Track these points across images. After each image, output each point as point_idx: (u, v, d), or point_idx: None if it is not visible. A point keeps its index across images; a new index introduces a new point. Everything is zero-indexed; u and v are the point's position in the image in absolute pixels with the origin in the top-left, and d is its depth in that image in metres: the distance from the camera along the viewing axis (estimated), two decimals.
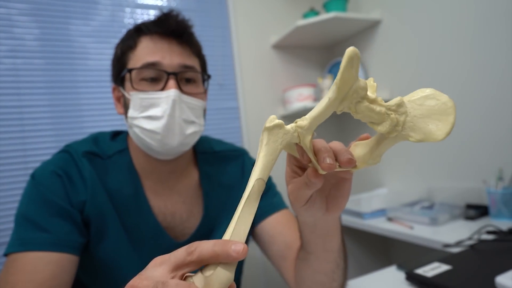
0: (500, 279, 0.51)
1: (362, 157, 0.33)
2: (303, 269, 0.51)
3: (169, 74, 0.57)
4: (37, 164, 0.62)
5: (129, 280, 0.27)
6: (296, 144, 0.31)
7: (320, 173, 0.32)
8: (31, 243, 0.51)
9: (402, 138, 0.31)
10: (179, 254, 0.26)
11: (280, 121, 0.29)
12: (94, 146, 0.62)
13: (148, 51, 0.58)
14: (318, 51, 1.79)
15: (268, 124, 0.29)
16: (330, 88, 0.28)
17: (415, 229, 1.01)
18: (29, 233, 0.52)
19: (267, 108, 1.64)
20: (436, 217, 1.03)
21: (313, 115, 0.29)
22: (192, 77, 0.61)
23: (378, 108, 0.29)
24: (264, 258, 1.45)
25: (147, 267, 0.27)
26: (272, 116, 0.29)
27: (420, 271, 0.63)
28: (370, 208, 1.21)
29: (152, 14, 1.45)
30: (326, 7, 1.47)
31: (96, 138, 0.65)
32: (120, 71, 0.61)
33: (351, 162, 0.31)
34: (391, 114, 0.30)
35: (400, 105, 0.30)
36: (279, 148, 0.29)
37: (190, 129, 0.59)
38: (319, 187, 0.33)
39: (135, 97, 0.57)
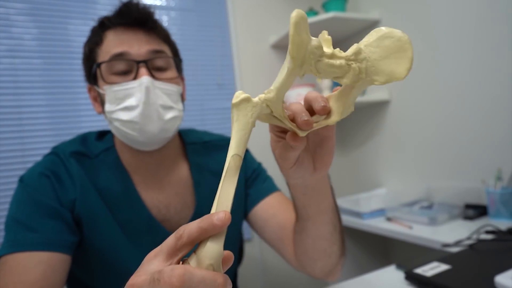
0: (499, 278, 0.51)
1: (336, 109, 0.33)
2: (302, 240, 0.53)
3: (138, 62, 0.56)
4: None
5: (129, 273, 0.27)
6: (273, 116, 0.31)
7: (300, 136, 0.32)
8: (20, 244, 0.51)
9: (369, 83, 0.31)
10: (169, 241, 0.26)
11: (247, 95, 0.29)
12: (81, 146, 0.62)
13: (114, 43, 0.57)
14: None
15: (234, 100, 0.29)
16: (286, 58, 0.28)
17: (414, 229, 1.01)
18: (19, 235, 0.52)
19: None
20: (435, 217, 1.03)
21: (277, 85, 0.29)
22: (163, 65, 0.60)
23: (338, 62, 0.29)
24: (263, 258, 1.45)
25: (142, 263, 0.27)
26: (238, 92, 0.29)
27: (419, 270, 0.63)
28: (369, 208, 1.21)
29: None
30: (325, 7, 1.47)
31: (84, 138, 0.65)
32: (91, 69, 0.60)
33: (325, 109, 0.31)
34: (352, 63, 0.30)
35: (358, 52, 0.30)
36: (251, 122, 0.29)
37: (169, 115, 0.58)
38: (303, 147, 0.34)
39: (109, 91, 0.57)
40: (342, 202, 1.36)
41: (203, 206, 0.66)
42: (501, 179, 1.00)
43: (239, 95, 0.29)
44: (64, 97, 1.27)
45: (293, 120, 0.32)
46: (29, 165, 1.17)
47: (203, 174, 0.68)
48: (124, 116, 0.56)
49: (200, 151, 0.70)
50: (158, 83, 0.57)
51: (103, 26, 0.59)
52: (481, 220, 1.01)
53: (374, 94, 1.47)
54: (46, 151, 1.23)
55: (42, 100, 1.24)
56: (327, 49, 0.29)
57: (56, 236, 0.53)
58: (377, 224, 1.12)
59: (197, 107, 1.50)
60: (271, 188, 0.70)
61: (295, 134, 0.32)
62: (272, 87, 0.29)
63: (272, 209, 0.66)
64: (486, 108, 1.09)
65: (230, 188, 0.28)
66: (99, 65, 0.57)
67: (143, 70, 0.56)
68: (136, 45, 0.57)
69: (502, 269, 0.54)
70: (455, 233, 0.92)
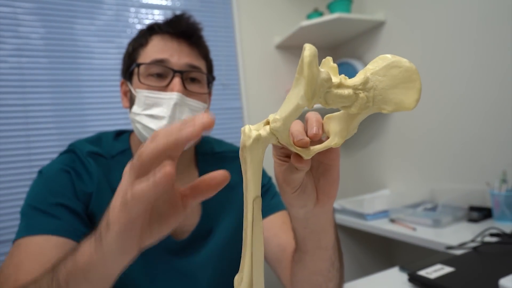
0: (504, 281, 0.51)
1: (339, 133, 0.32)
2: (299, 271, 0.51)
3: (175, 72, 0.59)
4: (42, 162, 0.63)
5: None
6: (278, 142, 0.31)
7: (305, 158, 0.32)
8: (38, 228, 0.51)
9: (376, 110, 0.30)
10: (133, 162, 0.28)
11: (257, 133, 0.28)
12: (97, 147, 0.63)
13: (157, 49, 0.60)
14: (322, 52, 1.79)
15: (247, 142, 0.28)
16: (296, 91, 0.27)
17: (418, 230, 1.01)
18: (37, 219, 0.53)
19: (270, 108, 1.64)
20: (439, 219, 1.02)
21: (284, 116, 0.28)
22: (197, 77, 0.62)
23: (346, 92, 0.29)
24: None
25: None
26: (246, 128, 0.28)
27: (423, 272, 0.63)
28: (372, 209, 1.21)
29: (156, 14, 1.46)
30: (330, 8, 1.47)
31: (99, 138, 0.66)
32: (129, 66, 0.63)
33: (316, 136, 0.31)
34: (360, 93, 0.29)
35: (365, 82, 0.29)
36: (262, 157, 0.29)
37: None
38: (307, 168, 0.33)
39: (140, 95, 0.59)
40: (345, 203, 1.36)
41: (208, 216, 0.66)
42: (506, 182, 0.99)
43: (250, 135, 0.28)
44: (70, 96, 1.29)
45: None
46: (36, 163, 1.19)
47: None
48: (149, 123, 0.58)
49: (211, 162, 0.71)
50: (187, 100, 0.59)
51: (151, 30, 0.62)
52: (485, 222, 1.01)
53: None
54: (52, 149, 1.25)
55: (48, 99, 1.25)
56: (334, 78, 0.29)
57: (71, 225, 0.54)
58: (381, 226, 1.12)
59: None
60: (278, 206, 0.69)
61: (299, 156, 0.32)
62: (278, 116, 0.29)
63: (275, 228, 0.65)
64: (491, 110, 1.08)
65: (260, 234, 0.28)
66: (138, 65, 0.60)
67: (177, 80, 0.58)
68: (176, 55, 0.59)
69: (506, 272, 0.54)
70: (459, 235, 0.91)
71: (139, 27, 1.41)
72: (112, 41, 1.35)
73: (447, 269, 0.63)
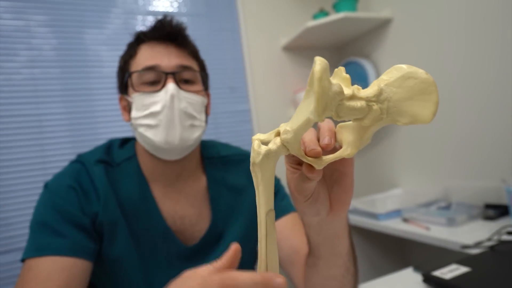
0: None
1: (353, 143, 0.32)
2: (312, 276, 0.51)
3: (167, 74, 0.59)
4: (56, 170, 0.64)
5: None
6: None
7: (316, 168, 0.31)
8: (46, 248, 0.52)
9: (390, 122, 0.30)
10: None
11: (267, 149, 0.28)
12: (105, 155, 0.64)
13: (147, 56, 0.61)
14: (329, 52, 1.78)
15: (257, 159, 0.28)
16: (307, 103, 0.26)
17: (432, 230, 0.99)
18: (45, 238, 0.54)
19: (278, 110, 1.64)
20: (453, 217, 1.00)
21: (295, 128, 0.28)
22: (190, 78, 0.63)
23: (358, 104, 0.28)
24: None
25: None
26: (256, 143, 0.28)
27: (438, 273, 0.62)
28: (385, 209, 1.20)
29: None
30: (336, 8, 1.47)
31: (109, 146, 0.67)
32: (123, 79, 0.64)
33: (328, 147, 0.31)
34: (373, 105, 0.28)
35: (379, 94, 0.28)
36: (273, 170, 0.29)
37: (189, 122, 0.60)
38: (319, 178, 0.33)
39: (136, 98, 0.60)
40: (357, 203, 1.35)
41: (218, 221, 0.67)
42: None
43: (258, 151, 0.28)
44: (82, 105, 1.31)
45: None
46: (49, 171, 1.22)
47: (220, 189, 0.68)
48: (148, 121, 0.59)
49: (218, 165, 0.71)
50: (183, 93, 0.60)
51: (138, 39, 0.63)
52: (502, 220, 0.99)
53: None
54: (66, 157, 1.27)
55: (61, 108, 1.28)
56: (347, 89, 0.28)
57: (79, 242, 0.55)
58: (394, 225, 1.10)
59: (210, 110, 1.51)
60: (288, 208, 0.69)
61: (311, 166, 0.31)
62: (289, 128, 0.28)
63: (286, 231, 0.64)
64: (506, 105, 1.06)
65: (275, 246, 0.28)
66: (130, 74, 0.61)
67: (170, 81, 0.59)
68: (166, 58, 0.60)
69: None
70: (475, 234, 0.89)
71: None
72: (121, 49, 1.36)
73: (463, 269, 0.62)
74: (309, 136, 0.32)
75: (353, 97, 0.28)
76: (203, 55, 1.55)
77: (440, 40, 1.24)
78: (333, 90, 0.27)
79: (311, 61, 1.74)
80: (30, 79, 1.25)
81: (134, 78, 0.60)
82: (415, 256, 1.46)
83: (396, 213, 1.19)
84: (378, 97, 0.28)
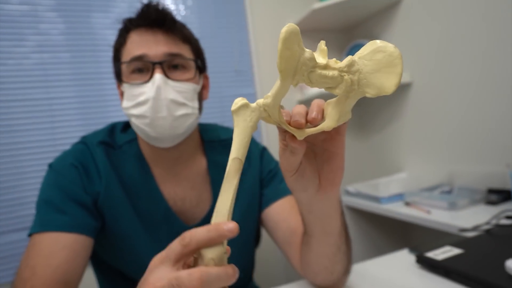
0: (511, 263, 0.51)
1: (332, 116, 0.33)
2: (306, 253, 0.53)
3: (154, 64, 0.58)
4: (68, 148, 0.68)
5: (144, 260, 0.30)
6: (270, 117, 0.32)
7: (298, 138, 0.33)
8: (50, 224, 0.55)
9: (361, 94, 0.31)
10: (176, 248, 0.29)
11: (244, 101, 0.31)
12: (108, 137, 0.66)
13: (135, 45, 0.60)
14: (336, 34, 1.75)
15: (233, 107, 0.31)
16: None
17: (433, 213, 1.01)
18: (49, 215, 0.57)
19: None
20: (455, 201, 1.01)
21: (273, 93, 0.31)
22: (180, 63, 0.62)
23: (330, 73, 0.30)
24: None
25: (149, 269, 0.30)
26: (238, 99, 0.31)
27: (431, 254, 0.63)
28: (387, 193, 1.21)
29: (168, 4, 1.47)
30: None
31: (112, 128, 0.69)
32: (116, 68, 0.64)
33: (315, 121, 0.33)
34: (345, 75, 0.30)
35: (351, 65, 0.30)
36: (250, 126, 0.31)
37: (180, 111, 0.60)
38: (302, 151, 0.35)
39: (126, 89, 0.60)
40: (361, 187, 1.36)
41: None
42: None
43: (237, 102, 0.31)
44: (92, 89, 1.34)
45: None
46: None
47: (220, 172, 0.69)
48: (137, 111, 0.59)
49: (218, 149, 0.72)
50: (171, 82, 0.59)
51: (127, 27, 0.62)
52: (504, 205, 0.99)
53: None
54: (76, 140, 1.31)
55: (71, 92, 1.31)
56: (322, 59, 0.30)
57: (81, 219, 0.58)
58: (395, 209, 1.12)
59: (215, 94, 1.52)
60: (286, 190, 0.70)
61: (294, 136, 0.33)
62: (269, 94, 0.31)
63: (284, 213, 0.66)
64: (511, 89, 1.04)
65: (229, 191, 0.30)
66: (120, 64, 0.61)
67: (158, 70, 0.58)
68: (154, 47, 0.59)
69: None
70: (475, 218, 0.90)
71: None
72: None
73: (456, 251, 0.63)
74: (298, 109, 0.34)
75: (326, 66, 0.30)
76: (209, 38, 1.55)
77: (450, 21, 1.21)
78: (304, 55, 0.29)
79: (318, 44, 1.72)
80: (40, 64, 1.28)
81: (124, 68, 0.61)
82: (416, 239, 1.47)
83: (398, 197, 1.20)
84: (349, 68, 0.30)
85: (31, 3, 1.27)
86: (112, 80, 1.39)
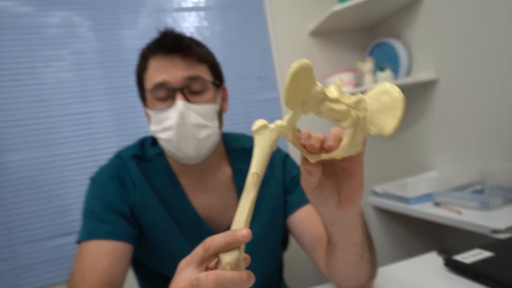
0: None
1: (342, 146, 0.36)
2: (331, 260, 0.55)
3: (175, 90, 0.62)
4: (105, 162, 0.75)
5: (176, 266, 0.34)
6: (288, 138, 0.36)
7: (310, 161, 0.36)
8: (94, 233, 0.62)
9: (365, 130, 0.33)
10: (198, 252, 0.33)
11: (264, 123, 0.34)
12: (139, 150, 0.72)
13: (155, 72, 0.64)
14: (358, 34, 1.74)
15: (254, 128, 0.35)
16: None
17: (464, 214, 0.99)
18: (93, 224, 0.63)
19: None
20: (487, 201, 0.99)
21: (287, 117, 0.34)
22: (199, 88, 0.65)
23: (338, 107, 0.32)
24: None
25: (177, 271, 0.34)
26: (258, 120, 0.34)
27: (459, 257, 0.63)
28: (416, 193, 1.19)
29: (191, 16, 1.53)
30: None
31: (142, 142, 0.74)
32: (141, 89, 0.69)
33: (330, 148, 0.35)
34: (351, 111, 0.32)
35: (359, 102, 0.32)
36: (269, 144, 0.34)
37: (203, 133, 0.64)
38: (317, 173, 0.37)
39: (152, 114, 0.65)
40: (388, 187, 1.35)
41: None
42: None
43: (258, 123, 0.35)
44: (124, 101, 1.43)
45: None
46: (100, 163, 1.35)
47: (244, 179, 0.73)
48: (163, 135, 0.64)
49: (242, 157, 0.76)
50: (193, 106, 0.63)
51: (146, 54, 0.66)
52: None
53: (420, 74, 1.40)
54: (113, 150, 1.40)
55: (106, 105, 1.41)
56: (334, 93, 0.33)
57: (120, 228, 0.64)
58: (424, 209, 1.11)
59: (240, 100, 1.57)
60: None
61: (306, 159, 0.37)
62: (285, 117, 0.34)
63: (309, 219, 0.69)
64: None
65: (247, 202, 0.34)
66: (144, 92, 0.66)
67: (179, 96, 0.62)
68: (173, 72, 0.63)
69: None
70: (509, 219, 0.88)
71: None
72: None
73: (486, 254, 0.63)
74: (317, 134, 0.37)
75: (336, 100, 0.33)
76: (232, 47, 1.60)
77: (474, 17, 1.17)
78: (315, 89, 0.31)
79: (340, 45, 1.72)
80: (78, 81, 1.38)
81: (148, 95, 0.65)
82: (447, 241, 1.44)
83: (427, 197, 1.19)
84: (357, 105, 0.33)
85: (69, 25, 1.37)
86: None
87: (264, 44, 1.61)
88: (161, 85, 0.63)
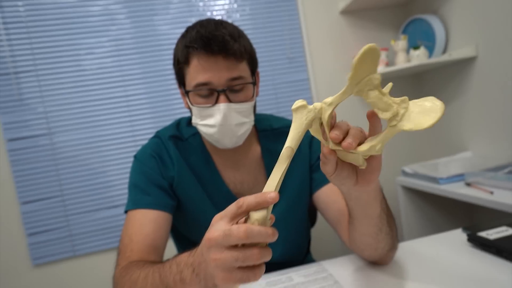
0: None
1: (363, 146, 0.38)
2: (352, 232, 0.59)
3: (219, 92, 0.66)
4: (143, 141, 0.83)
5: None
6: (320, 124, 0.39)
7: (331, 148, 0.39)
8: (138, 203, 0.70)
9: (398, 130, 0.35)
10: (232, 209, 0.38)
11: (304, 103, 0.38)
12: (176, 131, 0.78)
13: (198, 70, 0.66)
14: (391, 11, 1.68)
15: (293, 107, 0.38)
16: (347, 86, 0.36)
17: (495, 194, 0.97)
18: (137, 196, 0.71)
19: (336, 77, 1.65)
20: None
21: (338, 94, 0.37)
22: (240, 88, 0.68)
23: (385, 99, 0.35)
24: None
25: (211, 223, 0.40)
26: (298, 100, 0.38)
27: (484, 234, 0.64)
28: (447, 173, 1.18)
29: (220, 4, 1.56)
30: None
31: (178, 123, 0.81)
32: (179, 77, 0.71)
33: (348, 147, 0.37)
34: (395, 105, 0.35)
35: (403, 101, 0.35)
36: (305, 123, 0.38)
37: (242, 130, 0.70)
38: (333, 160, 0.40)
39: (195, 109, 0.69)
40: (418, 168, 1.34)
41: None
42: None
43: (297, 103, 0.38)
44: (159, 84, 1.51)
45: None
46: (139, 143, 1.47)
47: (273, 158, 0.77)
48: (206, 130, 0.69)
49: (270, 137, 0.80)
50: (234, 106, 0.67)
51: (188, 48, 0.67)
52: None
53: (458, 51, 1.35)
54: (150, 131, 1.51)
55: (143, 89, 1.50)
56: (385, 89, 0.36)
57: (160, 199, 0.71)
58: (454, 189, 1.10)
59: (269, 82, 1.60)
60: None
61: (327, 147, 0.40)
62: (329, 99, 0.38)
63: (333, 195, 0.72)
64: None
65: (278, 172, 0.38)
66: (187, 91, 0.69)
67: (222, 98, 0.66)
68: (217, 74, 0.65)
69: None
70: None
71: (208, 14, 1.54)
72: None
73: (511, 231, 0.63)
74: (344, 126, 0.39)
75: (385, 94, 0.36)
76: (261, 29, 1.62)
77: None
78: (373, 75, 0.35)
79: (372, 23, 1.67)
80: (117, 66, 1.47)
81: (190, 94, 0.69)
82: (479, 221, 1.41)
83: (459, 177, 1.17)
84: (401, 103, 0.35)
85: (109, 14, 1.45)
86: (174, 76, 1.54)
87: (294, 25, 1.61)
88: (204, 85, 0.66)
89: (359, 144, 0.39)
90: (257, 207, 0.37)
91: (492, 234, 0.64)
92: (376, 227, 0.54)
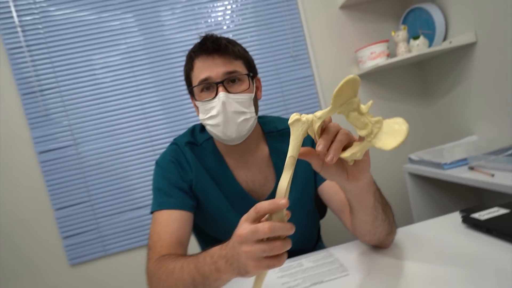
0: None
1: (346, 152, 0.45)
2: (353, 219, 0.67)
3: (217, 84, 0.75)
4: (160, 147, 0.89)
5: (232, 227, 0.48)
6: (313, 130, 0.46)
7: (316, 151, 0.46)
8: (163, 205, 0.78)
9: (371, 145, 0.43)
10: (251, 213, 0.46)
11: (297, 116, 0.45)
12: (191, 137, 0.86)
13: (200, 70, 0.76)
14: (390, 2, 1.71)
15: (289, 121, 0.45)
16: (333, 104, 0.42)
17: (496, 176, 1.02)
18: (162, 198, 0.80)
19: (340, 71, 1.70)
20: None
21: (324, 111, 0.44)
22: (236, 78, 0.76)
23: (362, 119, 0.43)
24: None
25: (239, 224, 0.48)
26: (293, 114, 0.45)
27: (476, 215, 0.70)
28: (451, 159, 1.22)
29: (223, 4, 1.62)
30: None
31: (193, 130, 0.89)
32: (188, 84, 0.82)
33: (330, 160, 0.45)
34: (370, 125, 0.42)
35: (378, 122, 0.42)
36: (301, 134, 0.45)
37: (241, 118, 0.76)
38: (316, 159, 0.48)
39: (200, 106, 0.78)
40: (423, 154, 1.39)
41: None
42: None
43: (292, 117, 0.45)
44: (171, 91, 1.60)
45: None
46: (156, 147, 1.56)
47: (280, 156, 0.86)
48: (211, 122, 0.77)
49: (276, 137, 0.88)
50: (232, 95, 0.75)
51: (192, 56, 0.79)
52: None
53: (458, 38, 1.37)
54: (166, 136, 1.60)
55: (156, 96, 1.59)
56: (364, 110, 0.43)
57: (183, 200, 0.80)
58: (457, 174, 1.14)
59: (275, 80, 1.66)
60: None
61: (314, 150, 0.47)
62: (318, 113, 0.44)
63: (335, 188, 0.79)
64: None
65: (285, 179, 0.46)
66: (192, 88, 0.80)
67: (220, 89, 0.75)
68: (215, 69, 0.75)
69: None
70: None
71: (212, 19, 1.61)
72: (193, 41, 1.59)
73: (501, 211, 0.69)
74: (343, 136, 0.46)
75: (364, 114, 0.43)
76: (264, 28, 1.69)
77: None
78: (354, 99, 0.42)
79: (372, 15, 1.71)
80: (131, 76, 1.57)
81: (195, 90, 0.79)
82: (484, 203, 1.45)
83: (462, 161, 1.21)
84: (376, 123, 0.43)
85: (119, 28, 1.55)
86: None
87: (295, 23, 1.66)
88: (205, 80, 0.76)
89: (347, 146, 0.46)
90: (271, 212, 0.45)
91: (484, 215, 0.70)
92: (372, 215, 0.61)
